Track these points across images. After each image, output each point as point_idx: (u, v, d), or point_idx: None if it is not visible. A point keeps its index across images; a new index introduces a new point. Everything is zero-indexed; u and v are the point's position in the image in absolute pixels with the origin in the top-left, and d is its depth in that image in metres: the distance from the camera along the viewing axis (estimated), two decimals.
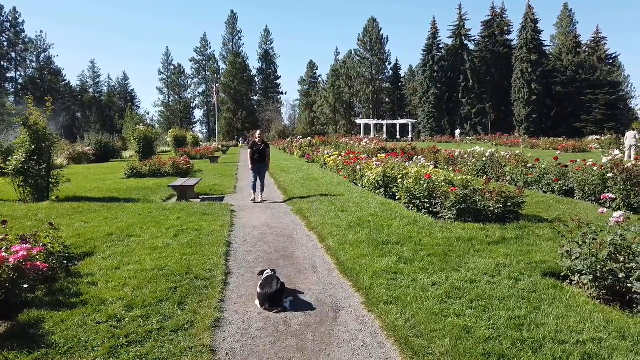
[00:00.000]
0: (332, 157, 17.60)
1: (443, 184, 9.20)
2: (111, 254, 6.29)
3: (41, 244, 5.48)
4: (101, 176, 17.41)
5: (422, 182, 9.14)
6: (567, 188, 10.96)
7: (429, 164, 12.60)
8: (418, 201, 8.87)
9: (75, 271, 5.58)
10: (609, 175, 9.50)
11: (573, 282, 4.95)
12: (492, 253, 6.03)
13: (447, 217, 8.07)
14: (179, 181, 12.50)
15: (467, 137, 52.39)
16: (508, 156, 14.48)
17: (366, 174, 12.07)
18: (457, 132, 54.92)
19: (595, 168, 10.17)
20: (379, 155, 16.00)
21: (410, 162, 13.00)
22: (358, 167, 13.26)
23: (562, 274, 5.10)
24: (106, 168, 21.94)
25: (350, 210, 9.13)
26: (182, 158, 19.29)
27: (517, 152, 15.18)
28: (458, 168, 14.87)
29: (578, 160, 12.23)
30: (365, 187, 12.33)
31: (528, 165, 13.15)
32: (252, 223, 8.70)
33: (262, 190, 12.09)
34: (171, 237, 7.17)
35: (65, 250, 6.19)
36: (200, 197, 12.53)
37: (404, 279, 5.10)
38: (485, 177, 10.51)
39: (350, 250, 6.24)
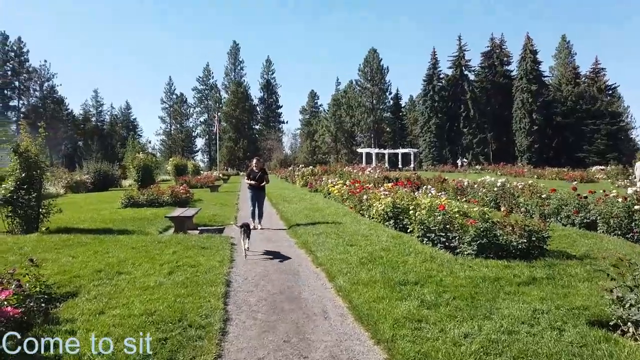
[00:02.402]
0: (336, 187, 17.02)
1: (457, 215, 8.60)
2: (97, 294, 5.62)
3: (14, 286, 4.82)
4: (97, 205, 16.79)
5: (436, 213, 8.54)
6: (588, 221, 10.32)
7: (439, 193, 12.00)
8: (433, 235, 8.23)
9: (55, 315, 4.92)
10: (637, 207, 8.90)
11: (627, 334, 4.27)
12: (524, 296, 5.36)
13: (466, 252, 7.41)
14: (177, 211, 11.89)
15: (470, 167, 51.98)
16: (521, 186, 13.89)
17: (374, 205, 11.46)
18: (462, 161, 54.49)
19: (620, 200, 9.55)
20: (385, 184, 15.43)
21: (419, 192, 12.42)
22: (365, 197, 12.66)
23: (611, 323, 4.43)
24: (103, 197, 21.36)
25: (360, 244, 8.48)
26: (181, 187, 18.71)
27: (530, 182, 14.61)
28: (470, 198, 14.23)
29: (598, 191, 11.61)
30: (373, 218, 11.69)
31: (542, 196, 12.56)
32: (253, 257, 8.03)
33: (260, 218, 11.84)
34: (165, 274, 6.50)
35: (47, 290, 5.57)
36: (199, 228, 11.89)
37: (430, 328, 4.42)
38: (503, 209, 9.90)
39: (365, 292, 5.57)
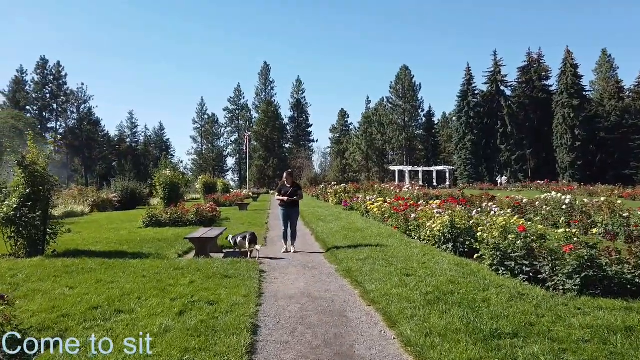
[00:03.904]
0: (375, 204, 15.39)
1: (534, 238, 6.88)
2: (82, 344, 4.20)
3: None
4: (118, 225, 15.67)
5: (510, 236, 6.83)
6: None
7: (501, 212, 10.23)
8: (513, 263, 6.52)
9: None
10: None
11: None
12: None
13: (563, 288, 5.67)
14: (200, 232, 10.50)
15: (510, 184, 49.34)
16: (593, 204, 11.96)
17: (426, 225, 9.78)
18: (502, 178, 51.89)
19: None
20: (431, 202, 13.72)
21: (479, 210, 10.70)
22: (412, 215, 11.00)
23: None
24: (128, 215, 20.34)
25: (418, 274, 6.82)
26: (207, 205, 17.46)
27: (602, 199, 12.67)
28: (540, 219, 12.27)
29: None
30: (424, 240, 10.01)
31: (624, 215, 10.64)
32: (287, 291, 6.50)
33: (293, 239, 10.33)
34: (175, 315, 5.04)
35: (19, 337, 4.20)
36: (224, 250, 10.51)
37: None
38: (608, 233, 8.07)
39: (447, 350, 3.93)
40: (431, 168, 62.12)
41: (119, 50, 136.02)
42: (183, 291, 6.05)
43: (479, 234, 7.52)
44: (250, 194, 40.90)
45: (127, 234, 12.78)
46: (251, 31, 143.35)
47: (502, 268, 6.70)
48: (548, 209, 12.75)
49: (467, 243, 8.46)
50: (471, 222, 9.01)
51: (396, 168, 61.40)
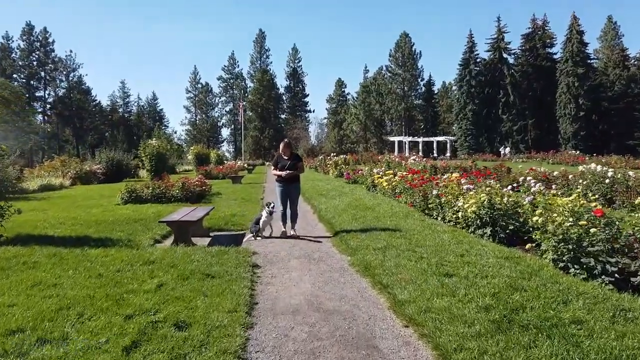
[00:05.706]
0: (385, 178, 13.67)
1: (595, 225, 5.23)
2: None
3: None
4: (95, 201, 13.93)
5: (582, 222, 5.17)
6: None
7: (543, 188, 8.55)
8: (592, 260, 4.87)
9: None
10: None
11: None
12: None
13: None
14: (181, 212, 8.73)
15: (513, 155, 47.66)
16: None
17: (456, 204, 8.11)
18: (506, 149, 50.15)
19: None
20: (450, 175, 12.04)
21: (514, 186, 9.02)
22: (434, 192, 9.31)
23: None
24: (110, 189, 18.54)
25: (462, 273, 5.16)
26: (196, 178, 15.67)
27: None
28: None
29: None
30: (450, 222, 8.36)
31: None
32: (288, 299, 4.83)
33: (293, 220, 8.60)
34: (123, 349, 3.38)
35: None
36: (211, 233, 8.87)
37: None
38: None
39: None
40: (431, 139, 60.16)
41: (109, 15, 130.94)
42: (145, 302, 4.37)
43: (534, 218, 5.85)
44: (245, 165, 39.09)
45: (100, 212, 11.04)
46: None
47: (575, 266, 5.05)
48: (585, 183, 11.09)
49: (511, 227, 6.83)
50: (505, 199, 7.36)
51: (395, 139, 59.47)
